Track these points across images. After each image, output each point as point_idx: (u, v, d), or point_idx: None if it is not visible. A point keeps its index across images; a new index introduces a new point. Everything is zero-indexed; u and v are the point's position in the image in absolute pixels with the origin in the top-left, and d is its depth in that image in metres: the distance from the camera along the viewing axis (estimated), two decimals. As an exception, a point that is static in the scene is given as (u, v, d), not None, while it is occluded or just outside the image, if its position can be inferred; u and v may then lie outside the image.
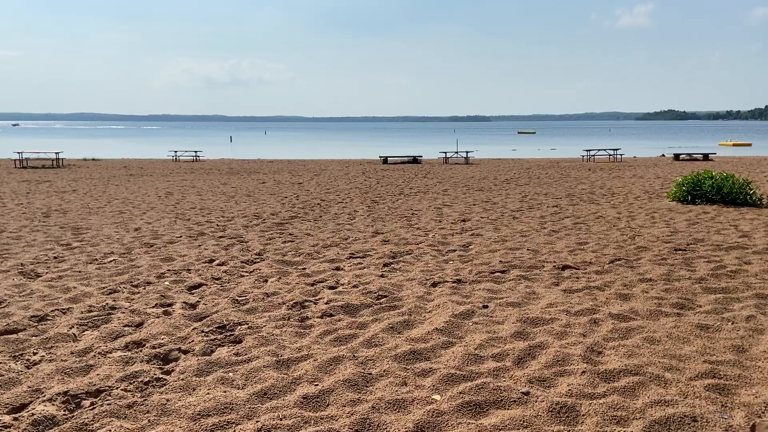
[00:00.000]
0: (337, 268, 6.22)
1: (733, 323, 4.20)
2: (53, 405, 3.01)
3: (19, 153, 23.42)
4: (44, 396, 3.12)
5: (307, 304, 4.89)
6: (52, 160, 23.36)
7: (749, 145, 45.91)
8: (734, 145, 45.81)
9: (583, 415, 2.95)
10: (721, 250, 6.81)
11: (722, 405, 3.01)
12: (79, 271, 6.00)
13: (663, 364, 3.51)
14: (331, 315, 4.59)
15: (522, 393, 3.18)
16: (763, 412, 2.91)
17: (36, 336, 4.07)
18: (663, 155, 31.63)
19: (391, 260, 6.58)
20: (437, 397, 3.17)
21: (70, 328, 4.19)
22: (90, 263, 6.41)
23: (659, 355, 3.65)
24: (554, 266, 6.14)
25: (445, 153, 27.67)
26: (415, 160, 26.22)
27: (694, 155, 27.23)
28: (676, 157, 27.01)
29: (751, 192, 10.95)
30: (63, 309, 4.65)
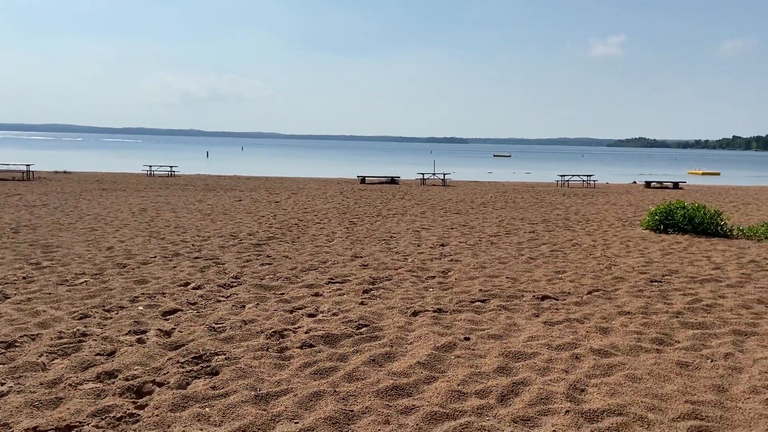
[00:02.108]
0: (316, 294, 6.13)
1: (712, 361, 4.24)
2: (20, 444, 2.87)
3: (-13, 163, 22.83)
4: (10, 433, 2.97)
5: (285, 333, 4.79)
6: (23, 173, 22.81)
7: (718, 174, 47.23)
8: (703, 174, 47.06)
9: (568, 458, 2.92)
10: (696, 282, 6.92)
11: (705, 448, 3.01)
12: (49, 293, 5.80)
13: (645, 404, 3.51)
14: (311, 345, 4.50)
15: (506, 433, 3.15)
16: (745, 457, 2.92)
17: (3, 364, 3.90)
18: (634, 182, 32.30)
19: (371, 286, 6.52)
20: (421, 436, 3.11)
21: (39, 356, 4.02)
22: (60, 284, 6.21)
23: (641, 394, 3.65)
24: (533, 296, 6.15)
25: (423, 174, 27.82)
26: (392, 181, 26.29)
27: (665, 183, 27.86)
28: (647, 184, 27.60)
29: (722, 223, 11.20)
30: (32, 335, 4.48)
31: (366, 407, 3.43)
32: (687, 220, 11.21)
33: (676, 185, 27.20)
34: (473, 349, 4.46)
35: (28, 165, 23.07)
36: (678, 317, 5.37)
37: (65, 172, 27.48)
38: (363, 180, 25.98)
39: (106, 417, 3.20)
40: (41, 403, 3.34)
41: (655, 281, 6.97)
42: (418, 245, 9.47)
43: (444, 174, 28.00)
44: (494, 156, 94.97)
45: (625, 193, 22.68)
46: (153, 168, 28.11)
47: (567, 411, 3.40)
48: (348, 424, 3.24)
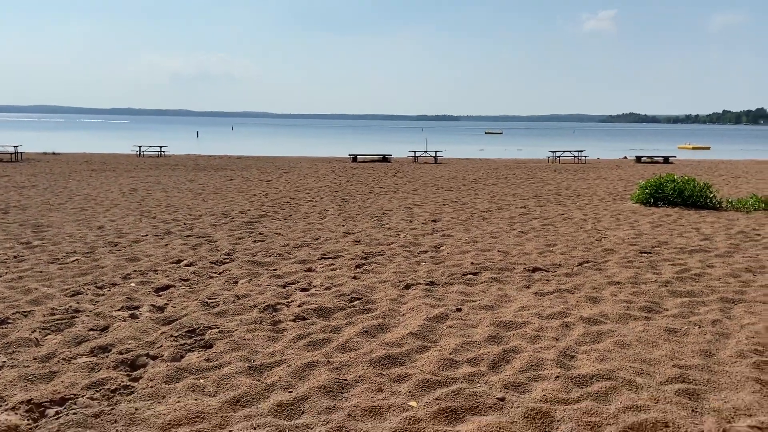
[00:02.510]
0: (309, 269, 6.15)
1: (700, 327, 4.31)
2: (16, 414, 2.88)
3: (-27, 145, 22.54)
4: (7, 404, 2.98)
5: (279, 307, 4.81)
6: (11, 154, 22.55)
7: (708, 148, 47.37)
8: (693, 148, 47.21)
9: (558, 421, 2.98)
10: (685, 253, 6.99)
11: (693, 410, 3.07)
12: (41, 272, 5.79)
13: (634, 369, 3.57)
14: (304, 318, 4.53)
15: (497, 399, 3.19)
16: (732, 417, 2.99)
17: (-5, 341, 3.90)
18: (625, 157, 32.38)
19: (364, 261, 6.54)
20: (413, 403, 3.16)
21: (32, 332, 4.02)
22: (52, 263, 6.19)
23: (630, 360, 3.71)
24: (525, 268, 6.20)
25: (414, 152, 27.74)
26: (384, 159, 26.22)
27: (655, 158, 27.94)
28: (638, 159, 27.67)
29: (711, 195, 11.28)
30: (24, 312, 4.47)
31: (359, 376, 3.47)
32: (677, 193, 11.28)
33: (666, 160, 27.30)
34: (465, 320, 4.51)
35: (16, 146, 22.79)
36: (667, 286, 5.44)
37: (54, 153, 27.19)
38: (354, 158, 25.88)
39: (100, 389, 3.21)
40: (35, 377, 3.35)
41: (645, 252, 7.03)
42: (410, 221, 9.48)
43: (436, 151, 27.94)
44: (486, 133, 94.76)
45: (616, 168, 22.75)
46: (142, 148, 27.86)
47: (557, 377, 3.45)
48: (341, 393, 3.28)
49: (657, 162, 27.03)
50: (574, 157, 28.32)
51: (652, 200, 11.47)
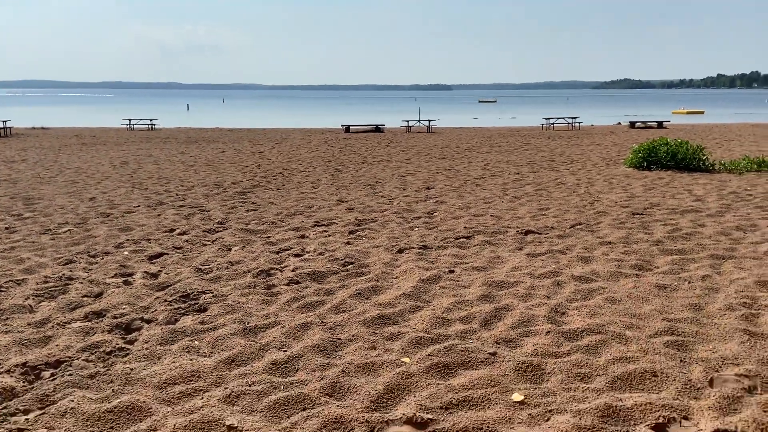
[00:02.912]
0: (302, 236, 6.16)
1: (689, 283, 4.35)
2: (11, 377, 2.90)
3: (-39, 121, 22.24)
4: (1, 368, 3.00)
5: (272, 272, 4.83)
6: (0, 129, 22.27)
7: (702, 112, 47.23)
8: (688, 113, 47.06)
9: (548, 373, 3.03)
10: (677, 213, 7.03)
11: (681, 360, 3.12)
12: (33, 242, 5.77)
13: (624, 323, 3.61)
14: (297, 282, 4.55)
15: (489, 353, 3.24)
16: (720, 367, 3.04)
17: (-11, 309, 3.91)
18: (619, 123, 32.28)
19: (357, 228, 6.55)
20: (406, 359, 3.20)
21: (26, 299, 4.03)
22: (44, 234, 6.17)
23: (620, 314, 3.76)
24: (517, 231, 6.22)
25: (408, 122, 27.55)
26: (377, 129, 26.05)
27: (649, 123, 27.88)
28: (632, 125, 27.60)
29: (704, 158, 11.30)
30: (17, 280, 4.47)
31: (352, 335, 3.50)
32: (670, 157, 11.28)
33: (660, 125, 27.24)
34: (457, 281, 4.54)
35: (5, 121, 22.50)
36: (658, 245, 5.48)
37: (43, 128, 26.88)
38: (347, 129, 25.70)
39: (95, 352, 3.24)
40: (30, 341, 3.36)
41: (637, 214, 7.06)
42: (404, 189, 9.47)
43: (429, 121, 27.76)
44: (479, 102, 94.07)
45: (610, 134, 22.69)
46: (132, 122, 27.57)
47: (548, 332, 3.49)
48: (335, 351, 3.31)
49: (651, 127, 26.98)
50: (568, 123, 28.22)
51: (645, 164, 11.48)
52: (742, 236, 5.79)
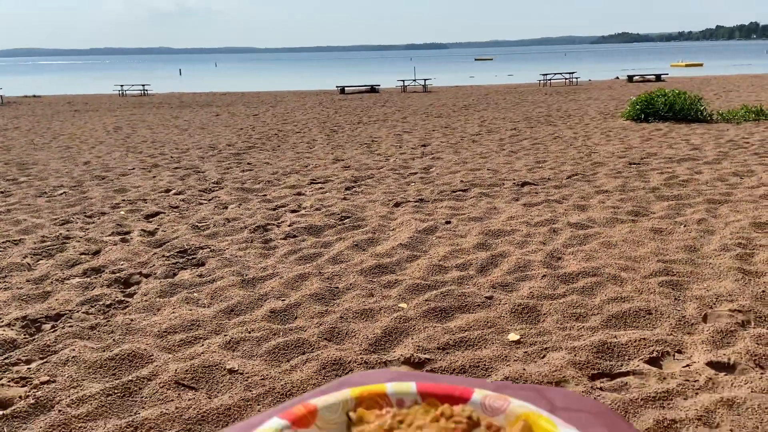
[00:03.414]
0: (299, 194, 6.14)
1: (685, 226, 4.37)
2: (12, 330, 2.93)
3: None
4: (2, 321, 3.03)
5: (269, 227, 4.84)
6: (-12, 98, 21.97)
7: (701, 65, 46.64)
8: (686, 65, 46.46)
9: (544, 314, 3.06)
10: (674, 162, 7.01)
11: (675, 299, 3.16)
12: (29, 204, 5.76)
13: (619, 265, 3.64)
14: (294, 236, 4.57)
15: (485, 297, 3.27)
16: (714, 304, 3.07)
17: (-13, 268, 3.92)
18: (617, 78, 31.92)
19: (353, 184, 6.53)
20: (404, 305, 3.23)
21: (24, 258, 4.05)
22: (39, 197, 6.15)
23: (615, 258, 3.78)
24: (514, 183, 6.21)
25: (403, 81, 27.22)
26: (372, 89, 25.76)
27: (647, 76, 27.57)
28: (630, 78, 27.30)
29: (702, 108, 11.20)
30: (14, 240, 4.48)
31: (350, 284, 3.53)
32: (667, 108, 11.19)
33: (658, 78, 26.95)
34: (454, 231, 4.55)
35: (-5, 90, 22.17)
36: (654, 192, 5.48)
37: (35, 96, 26.53)
38: (342, 90, 25.40)
39: (95, 305, 3.26)
40: (29, 297, 3.39)
41: (634, 164, 7.04)
42: (400, 147, 9.41)
43: (425, 80, 27.42)
44: (476, 60, 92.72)
45: (608, 89, 22.46)
46: (125, 88, 27.21)
47: (543, 276, 3.52)
48: (333, 299, 3.34)
49: (649, 80, 26.69)
50: (566, 79, 27.90)
51: (642, 116, 11.39)
52: (738, 182, 5.79)
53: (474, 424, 0.73)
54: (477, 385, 0.82)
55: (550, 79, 27.63)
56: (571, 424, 0.74)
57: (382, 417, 0.74)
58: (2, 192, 6.40)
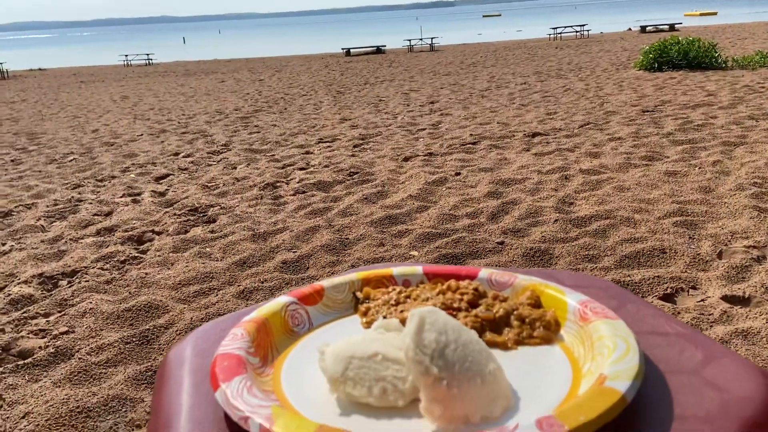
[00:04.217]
0: (307, 152, 6.11)
1: (699, 168, 4.30)
2: (29, 286, 2.98)
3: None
4: (18, 279, 3.08)
5: (278, 184, 4.83)
6: (-5, 73, 21.95)
7: (715, 14, 45.32)
8: (701, 15, 45.16)
9: (556, 257, 3.04)
10: (688, 108, 6.86)
11: (690, 237, 3.12)
12: (40, 171, 5.79)
13: (632, 208, 3.60)
14: (303, 192, 4.56)
15: (497, 243, 3.25)
16: (729, 241, 3.04)
17: (2, 230, 3.96)
18: (630, 29, 31.12)
19: (361, 141, 6.48)
20: (415, 253, 3.23)
21: (38, 220, 4.08)
22: (49, 164, 6.18)
23: (629, 201, 3.74)
24: (524, 134, 6.13)
25: (410, 41, 26.74)
26: (378, 50, 25.36)
27: (661, 26, 26.86)
28: (643, 29, 26.61)
29: (716, 55, 10.91)
30: (27, 204, 4.51)
31: (360, 235, 3.53)
32: (681, 56, 10.91)
33: (672, 27, 26.24)
34: (464, 182, 4.52)
35: (1, 63, 22.14)
36: (668, 137, 5.38)
37: (40, 69, 26.46)
38: (348, 52, 25.04)
39: (110, 261, 3.30)
40: (45, 255, 3.43)
41: (647, 111, 6.91)
42: (408, 105, 9.30)
43: (432, 38, 26.93)
44: (483, 17, 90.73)
45: (620, 40, 21.93)
46: (129, 57, 27.04)
47: (555, 220, 3.49)
48: (344, 249, 3.35)
49: (663, 30, 26.00)
50: (576, 32, 27.26)
51: (656, 65, 11.12)
52: (754, 124, 5.66)
53: (480, 295, 0.73)
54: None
55: (560, 33, 27.02)
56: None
57: (389, 294, 0.73)
58: (13, 161, 6.44)
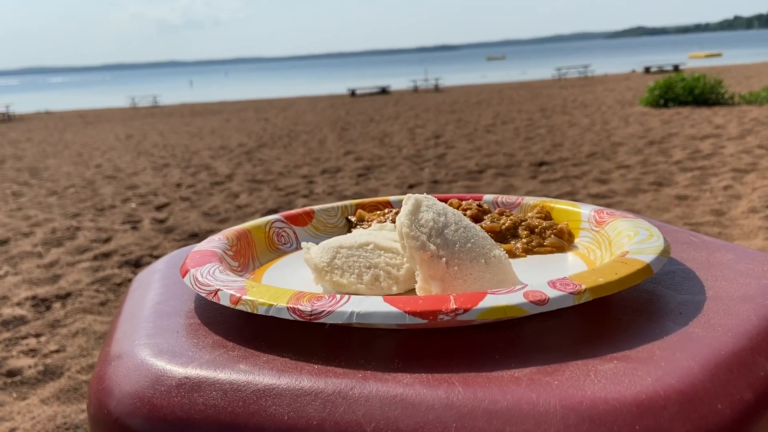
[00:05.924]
0: (310, 182, 6.07)
1: (711, 192, 4.20)
2: (22, 308, 2.86)
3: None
4: (11, 301, 2.97)
5: (281, 210, 4.75)
6: (2, 114, 22.31)
7: (720, 55, 45.95)
8: (706, 56, 45.78)
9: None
10: (696, 139, 6.81)
11: (706, 258, 3.01)
12: (40, 202, 5.74)
13: (645, 231, 3.49)
14: (307, 219, 4.48)
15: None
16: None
17: (-2, 257, 3.88)
18: (633, 71, 31.57)
19: (366, 171, 6.44)
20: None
21: (35, 247, 4.00)
22: (50, 195, 6.14)
23: (640, 224, 3.63)
24: (531, 164, 6.07)
25: (415, 81, 27.15)
26: (383, 91, 25.73)
27: (665, 67, 27.22)
28: (647, 70, 26.97)
29: (723, 91, 10.95)
30: (25, 233, 4.44)
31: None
32: (687, 92, 10.96)
33: (676, 68, 26.56)
34: (471, 208, 4.43)
35: (8, 105, 22.51)
36: (678, 165, 5.31)
37: (47, 112, 26.91)
38: (353, 93, 25.40)
39: (106, 284, 3.19)
40: (39, 279, 3.33)
41: (655, 143, 6.86)
42: (413, 139, 9.32)
43: (437, 79, 27.34)
44: (487, 59, 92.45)
45: (624, 80, 22.18)
46: (136, 99, 27.51)
47: (566, 243, 3.38)
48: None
49: (667, 71, 26.34)
50: (580, 73, 27.65)
51: (661, 101, 11.16)
52: (764, 153, 5.59)
53: (485, 211, 0.65)
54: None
55: (564, 74, 27.40)
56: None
57: (385, 215, 0.64)
58: (14, 193, 6.41)
